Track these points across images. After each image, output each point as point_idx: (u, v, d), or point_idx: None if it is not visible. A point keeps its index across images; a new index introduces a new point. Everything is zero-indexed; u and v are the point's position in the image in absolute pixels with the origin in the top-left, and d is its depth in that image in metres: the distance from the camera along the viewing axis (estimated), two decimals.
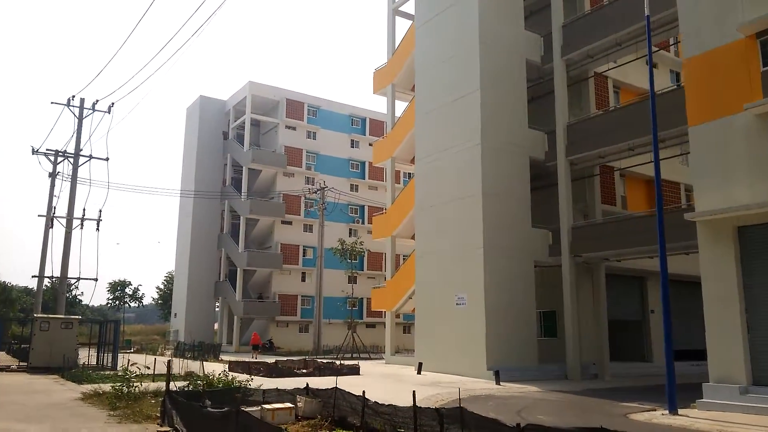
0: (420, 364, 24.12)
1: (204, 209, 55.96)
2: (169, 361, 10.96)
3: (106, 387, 14.42)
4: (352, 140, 60.37)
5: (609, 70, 28.40)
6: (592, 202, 26.45)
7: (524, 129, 25.74)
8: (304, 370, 23.08)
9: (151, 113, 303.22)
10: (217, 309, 57.11)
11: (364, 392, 10.10)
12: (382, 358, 38.03)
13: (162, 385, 15.71)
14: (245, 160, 53.68)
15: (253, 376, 13.09)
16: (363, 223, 59.13)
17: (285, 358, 30.87)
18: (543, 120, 26.52)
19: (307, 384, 11.74)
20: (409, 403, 11.80)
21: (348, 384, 19.64)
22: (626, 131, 22.68)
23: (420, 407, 8.81)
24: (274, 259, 52.50)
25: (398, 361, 31.40)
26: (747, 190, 14.53)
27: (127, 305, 70.31)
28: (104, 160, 28.63)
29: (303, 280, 55.18)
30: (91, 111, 29.05)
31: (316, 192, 47.23)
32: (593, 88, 27.74)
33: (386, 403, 9.60)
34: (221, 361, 31.59)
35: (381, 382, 20.53)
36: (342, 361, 27.16)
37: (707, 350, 15.04)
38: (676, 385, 13.90)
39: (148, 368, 21.17)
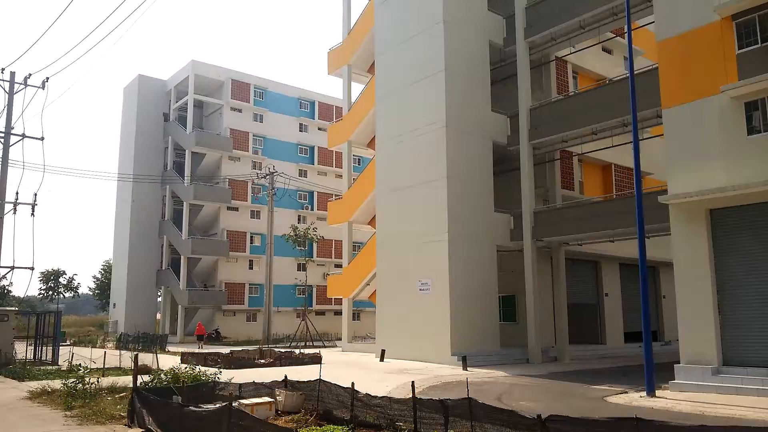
0: (383, 352, 23.58)
1: (144, 194, 53.52)
2: (136, 356, 9.94)
3: (56, 384, 13.15)
4: (301, 124, 59.02)
5: (569, 54, 28.43)
6: (552, 186, 26.46)
7: (487, 112, 25.41)
8: (263, 361, 22.13)
9: (88, 93, 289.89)
10: (159, 299, 54.96)
11: (353, 384, 9.40)
12: (335, 346, 37.34)
13: (116, 380, 14.62)
14: (188, 143, 51.55)
15: (220, 369, 12.15)
16: (312, 209, 58.10)
17: (240, 348, 29.72)
18: (504, 104, 26.26)
19: (286, 376, 10.93)
20: (384, 392, 11.24)
21: (313, 374, 18.92)
22: (590, 115, 22.64)
23: (421, 398, 8.20)
24: (220, 246, 50.79)
25: (355, 348, 30.80)
26: (721, 172, 14.54)
27: (61, 296, 66.77)
28: (39, 139, 26.46)
29: (251, 267, 53.72)
30: (23, 86, 26.84)
31: (265, 177, 45.72)
32: (554, 72, 27.68)
33: (379, 395, 8.94)
34: (168, 352, 30.19)
35: (346, 370, 19.85)
36: (302, 350, 26.30)
37: (679, 332, 15.07)
38: (653, 368, 13.81)
39: (94, 362, 19.82)
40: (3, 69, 26.71)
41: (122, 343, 33.98)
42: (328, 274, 57.17)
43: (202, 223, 52.74)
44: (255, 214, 54.30)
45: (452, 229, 22.92)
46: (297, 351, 25.82)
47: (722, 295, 14.42)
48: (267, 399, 10.11)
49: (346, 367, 21.59)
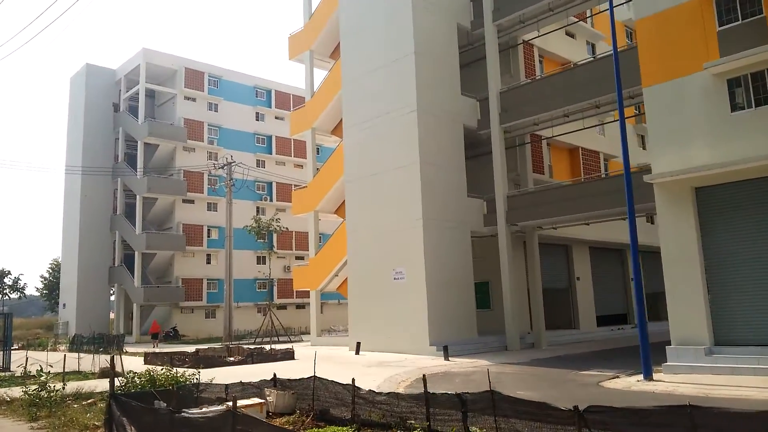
0: (358, 345, 22.86)
1: (94, 188, 51.12)
2: (112, 358, 8.95)
3: (15, 392, 11.96)
4: (258, 113, 57.51)
5: (535, 38, 28.16)
6: (524, 170, 26.17)
7: (457, 96, 24.88)
8: (233, 359, 21.13)
9: (31, 83, 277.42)
10: (112, 297, 52.80)
11: (354, 380, 8.66)
12: (302, 341, 36.46)
13: (80, 385, 13.47)
14: (140, 133, 49.48)
15: (198, 370, 11.20)
16: (271, 200, 56.78)
17: (206, 346, 28.50)
18: (473, 88, 25.78)
19: (275, 374, 10.11)
20: (373, 387, 10.54)
21: (289, 370, 18.03)
22: (562, 97, 22.37)
23: (434, 393, 7.54)
24: (177, 240, 49.02)
25: (325, 342, 29.99)
26: (706, 150, 14.35)
27: (6, 297, 63.42)
28: None
29: (208, 262, 52.09)
30: None
31: (222, 167, 44.23)
32: (523, 55, 27.34)
33: (385, 391, 8.23)
34: (127, 353, 28.74)
35: (324, 365, 18.98)
36: (272, 346, 25.33)
37: (668, 312, 14.86)
38: (650, 352, 13.54)
39: (51, 366, 18.48)
40: None
41: (76, 345, 32.26)
42: (290, 267, 56.54)
43: (156, 217, 50.81)
44: (212, 207, 52.68)
45: (426, 215, 22.34)
46: (267, 347, 24.82)
47: (711, 274, 14.26)
48: (257, 400, 9.28)
49: (321, 361, 20.67)
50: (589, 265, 29.88)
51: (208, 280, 51.19)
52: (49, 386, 10.69)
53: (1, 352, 21.27)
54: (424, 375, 7.94)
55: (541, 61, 29.47)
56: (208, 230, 52.03)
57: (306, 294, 56.48)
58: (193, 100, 52.85)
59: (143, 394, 9.02)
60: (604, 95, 21.01)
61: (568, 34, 31.41)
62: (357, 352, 22.62)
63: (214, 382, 10.77)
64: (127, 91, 52.52)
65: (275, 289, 55.88)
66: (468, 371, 16.41)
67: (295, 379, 9.84)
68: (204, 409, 8.28)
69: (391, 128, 23.94)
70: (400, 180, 23.28)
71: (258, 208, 55.59)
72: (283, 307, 55.51)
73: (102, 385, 13.98)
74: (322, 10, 31.83)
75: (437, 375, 15.69)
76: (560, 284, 28.61)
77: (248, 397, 9.56)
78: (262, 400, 9.27)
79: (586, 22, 31.83)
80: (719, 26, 14.63)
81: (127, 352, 29.11)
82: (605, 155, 31.32)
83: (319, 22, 32.49)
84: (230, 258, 42.05)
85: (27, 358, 17.96)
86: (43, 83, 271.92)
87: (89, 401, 11.30)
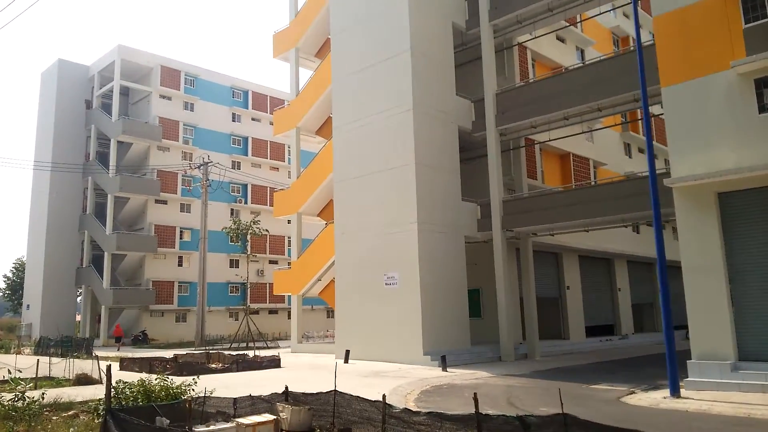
0: (347, 353, 21.73)
1: (63, 186, 49.05)
2: (108, 367, 7.72)
3: None
4: (234, 114, 56.13)
5: (528, 41, 27.59)
6: (518, 175, 25.47)
7: (452, 96, 24.05)
8: (216, 366, 19.82)
9: (2, 77, 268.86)
10: (79, 299, 50.63)
11: (384, 396, 7.59)
12: (278, 347, 35.09)
13: (57, 394, 12.08)
14: (113, 131, 47.64)
15: (195, 379, 10.00)
16: (246, 203, 55.37)
17: (185, 352, 26.95)
18: (465, 89, 25.02)
19: (287, 387, 8.98)
20: (376, 398, 9.49)
21: (278, 379, 16.88)
22: (562, 100, 21.70)
23: (488, 414, 6.54)
24: (148, 241, 47.23)
25: (306, 349, 28.74)
26: (730, 153, 13.71)
27: None
28: None
29: (180, 264, 50.36)
30: None
31: (198, 167, 42.73)
32: (518, 57, 26.70)
33: (424, 410, 7.21)
34: (98, 357, 27.04)
35: (315, 375, 17.93)
36: (256, 353, 23.98)
37: (689, 325, 14.12)
38: (677, 367, 12.75)
39: (20, 371, 16.99)
40: None
41: (42, 348, 30.41)
42: (263, 271, 55.05)
43: (127, 217, 48.94)
44: (185, 208, 51.03)
45: (421, 219, 21.39)
46: (251, 353, 23.52)
47: (735, 284, 13.57)
48: (268, 416, 8.16)
49: (310, 370, 19.65)
50: (579, 274, 29.30)
51: (179, 282, 49.46)
52: (27, 396, 9.37)
53: None
54: (475, 394, 6.94)
55: (533, 65, 28.89)
56: (181, 232, 50.35)
57: (279, 299, 55.61)
58: (169, 98, 51.26)
59: (141, 409, 7.82)
60: (606, 98, 20.40)
61: (558, 38, 30.97)
62: (346, 361, 21.50)
63: (215, 394, 9.62)
64: (100, 88, 50.72)
65: (247, 293, 54.36)
66: (472, 383, 15.46)
67: (311, 393, 8.74)
68: (212, 428, 7.16)
69: (385, 128, 22.98)
70: (394, 181, 22.32)
71: (232, 210, 54.19)
72: (255, 312, 53.85)
73: (80, 393, 12.66)
74: (309, 6, 30.81)
75: (442, 387, 14.71)
76: (550, 293, 27.93)
77: (258, 413, 8.43)
78: (274, 417, 8.15)
79: (577, 27, 31.42)
80: (745, 23, 14.03)
81: (97, 356, 27.41)
82: (594, 162, 30.85)
83: (306, 19, 31.44)
84: (204, 260, 40.51)
85: None
86: (12, 76, 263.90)
87: (69, 413, 10.01)
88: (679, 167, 14.54)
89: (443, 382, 15.66)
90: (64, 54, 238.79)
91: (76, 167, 49.11)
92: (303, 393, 8.84)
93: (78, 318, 50.03)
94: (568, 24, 29.87)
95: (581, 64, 25.08)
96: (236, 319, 52.83)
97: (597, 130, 30.24)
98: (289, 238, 58.01)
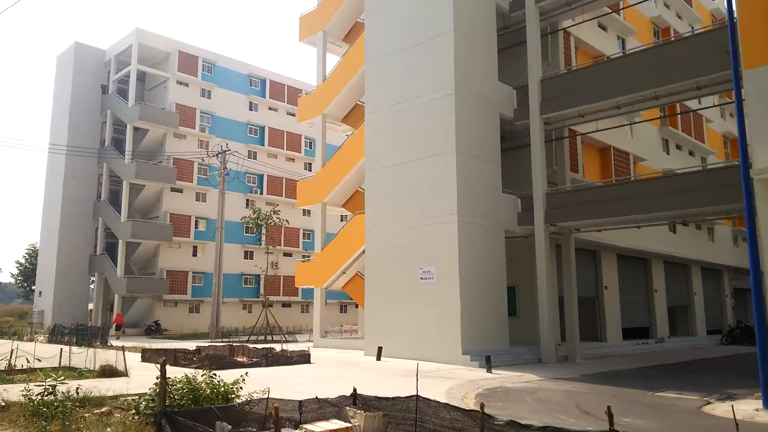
0: (380, 349, 20.55)
1: (78, 173, 48.15)
2: (163, 362, 6.59)
3: (9, 394, 9.45)
4: (251, 102, 54.99)
5: (571, 26, 26.29)
6: (561, 167, 24.16)
7: (495, 82, 22.79)
8: (241, 359, 18.70)
9: (17, 58, 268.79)
10: (92, 286, 49.72)
11: (482, 405, 6.41)
12: (296, 341, 34.02)
13: (83, 387, 10.93)
14: (130, 117, 46.59)
15: (243, 377, 8.86)
16: (262, 193, 54.26)
17: (207, 344, 25.75)
18: (505, 76, 23.74)
19: (355, 390, 7.82)
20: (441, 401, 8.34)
21: (313, 377, 15.74)
22: (615, 87, 20.35)
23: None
24: (163, 230, 46.18)
25: (329, 344, 27.57)
26: None
27: None
28: None
29: (194, 254, 49.33)
30: None
31: (216, 155, 41.68)
32: (562, 43, 25.40)
33: (540, 425, 6.02)
34: (112, 347, 26.03)
35: (350, 372, 16.79)
36: (283, 346, 22.84)
37: None
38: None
39: (40, 361, 15.96)
40: None
41: (56, 336, 29.44)
42: (277, 263, 54.01)
43: (142, 205, 47.93)
44: (201, 197, 49.98)
45: (462, 210, 20.16)
46: (277, 347, 22.37)
47: None
48: (340, 423, 7.01)
49: (342, 367, 18.50)
50: (617, 273, 27.99)
51: (193, 273, 48.45)
52: (57, 389, 8.24)
53: None
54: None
55: (575, 53, 27.57)
56: (196, 221, 49.31)
57: (293, 292, 54.56)
58: (186, 85, 50.17)
59: (197, 412, 6.68)
60: (666, 85, 19.08)
61: (600, 26, 29.62)
62: (378, 358, 20.34)
63: (250, 391, 8.49)
64: (116, 73, 49.67)
65: (261, 285, 53.38)
66: (526, 387, 14.27)
67: (385, 398, 7.57)
68: None
69: (423, 113, 21.76)
70: (432, 170, 21.10)
71: (248, 200, 53.13)
72: (269, 304, 53.02)
73: (108, 387, 11.55)
74: None
75: (496, 391, 13.52)
76: (587, 292, 26.62)
77: (326, 418, 7.28)
78: (347, 425, 7.00)
79: (619, 15, 30.03)
80: None
81: (112, 345, 26.40)
82: (634, 156, 29.51)
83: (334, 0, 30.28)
84: (221, 250, 39.50)
85: (12, 350, 15.36)
86: (28, 60, 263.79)
87: (102, 410, 8.89)
88: (761, 158, 13.24)
89: (494, 384, 14.48)
90: (80, 37, 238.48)
91: (91, 152, 48.18)
92: (376, 397, 7.66)
93: (90, 306, 49.08)
94: (610, 11, 28.52)
95: (643, 47, 23.61)
96: (250, 312, 51.86)
97: (636, 123, 28.95)
98: (304, 230, 57.13)
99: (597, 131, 25.13)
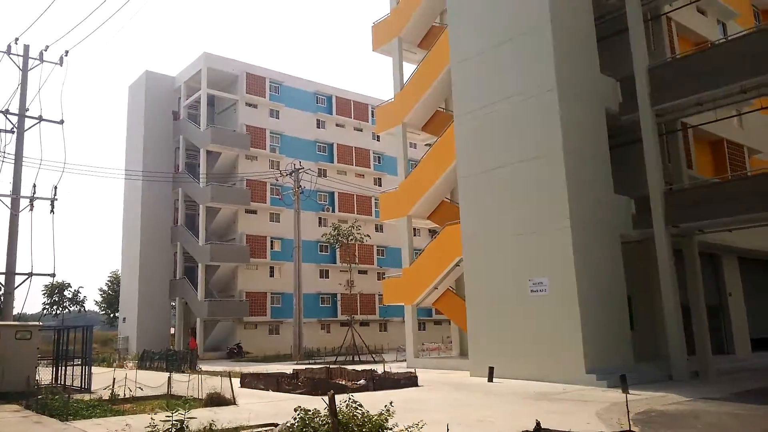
0: (491, 370, 18.89)
1: (154, 198, 48.91)
2: (332, 395, 5.36)
3: (139, 424, 8.42)
4: (318, 120, 54.70)
5: (672, 11, 24.16)
6: (676, 163, 21.96)
7: (596, 74, 20.99)
8: (347, 383, 17.42)
9: (88, 91, 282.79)
10: (173, 312, 50.13)
11: None
12: (384, 361, 32.66)
13: (201, 415, 9.78)
14: (203, 141, 46.95)
15: (388, 409, 7.56)
16: (333, 210, 53.62)
17: (303, 366, 24.71)
18: (604, 67, 21.85)
19: (538, 422, 6.33)
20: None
21: (429, 401, 14.23)
22: (737, 69, 18.18)
23: None
24: (241, 252, 46.09)
25: (426, 364, 25.99)
26: None
27: (66, 310, 61.33)
28: (58, 123, 22.30)
29: (271, 275, 49.04)
30: (38, 61, 22.51)
31: (289, 174, 41.13)
32: (666, 29, 23.34)
33: None
34: (202, 371, 25.33)
35: (469, 397, 15.23)
36: (384, 368, 21.53)
37: None
38: None
39: (141, 389, 15.17)
40: (16, 39, 22.32)
41: (145, 362, 29.18)
42: (353, 281, 53.10)
43: (218, 227, 48.10)
44: (274, 217, 49.79)
45: (574, 215, 18.39)
46: (379, 369, 21.08)
47: None
48: None
49: (455, 390, 16.97)
50: (740, 278, 25.35)
51: (272, 293, 48.11)
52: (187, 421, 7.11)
53: (79, 371, 18.11)
54: None
55: (677, 39, 25.38)
56: (271, 242, 49.02)
57: (371, 310, 53.45)
58: (255, 106, 50.33)
59: None
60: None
61: (699, 11, 27.28)
62: (490, 380, 18.68)
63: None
64: (187, 99, 50.37)
65: (338, 304, 52.52)
66: (680, 410, 12.35)
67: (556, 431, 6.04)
68: None
69: (521, 112, 20.16)
70: (535, 173, 19.42)
71: (320, 219, 52.61)
72: (345, 323, 52.11)
73: (222, 417, 10.46)
74: None
75: (650, 415, 11.67)
76: (708, 301, 24.04)
77: None
78: None
79: None
80: None
81: (202, 370, 25.73)
82: (749, 149, 26.89)
83: (409, 4, 29.17)
84: (299, 270, 38.77)
85: (114, 379, 14.62)
86: (99, 92, 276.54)
87: None
88: None
89: (642, 408, 12.61)
90: (150, 65, 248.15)
91: (167, 177, 48.79)
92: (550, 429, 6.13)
93: (172, 331, 49.44)
94: None
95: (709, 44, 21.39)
96: (328, 332, 51.05)
97: (747, 113, 26.36)
98: (378, 246, 56.09)
99: (713, 121, 22.77)
